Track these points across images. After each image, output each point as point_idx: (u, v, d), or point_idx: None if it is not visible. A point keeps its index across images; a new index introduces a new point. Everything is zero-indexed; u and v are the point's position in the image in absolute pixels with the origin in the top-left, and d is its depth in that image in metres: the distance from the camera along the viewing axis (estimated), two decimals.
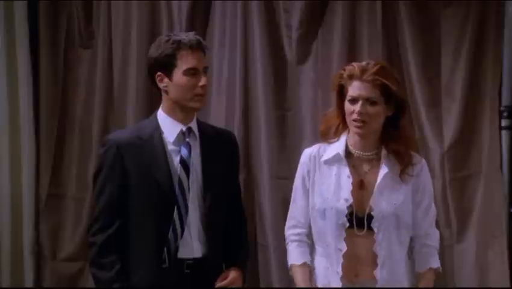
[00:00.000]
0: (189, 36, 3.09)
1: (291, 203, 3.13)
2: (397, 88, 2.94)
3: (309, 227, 3.06)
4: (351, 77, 2.93)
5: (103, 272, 3.01)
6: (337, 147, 3.03)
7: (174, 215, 3.03)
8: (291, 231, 3.09)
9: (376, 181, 2.97)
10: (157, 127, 3.09)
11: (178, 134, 3.09)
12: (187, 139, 3.10)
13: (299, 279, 3.02)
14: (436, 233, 3.12)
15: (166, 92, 3.08)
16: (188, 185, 3.06)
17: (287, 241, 3.11)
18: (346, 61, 4.39)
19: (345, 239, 2.94)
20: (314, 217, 3.02)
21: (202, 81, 3.07)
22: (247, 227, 3.31)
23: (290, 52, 4.47)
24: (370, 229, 2.95)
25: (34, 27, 4.67)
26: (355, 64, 2.96)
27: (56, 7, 4.68)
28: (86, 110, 4.60)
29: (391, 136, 3.00)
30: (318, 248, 3.04)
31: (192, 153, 3.10)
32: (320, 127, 3.12)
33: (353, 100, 2.93)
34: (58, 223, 4.52)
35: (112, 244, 3.01)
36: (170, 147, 3.09)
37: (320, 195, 3.00)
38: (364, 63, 2.95)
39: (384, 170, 2.98)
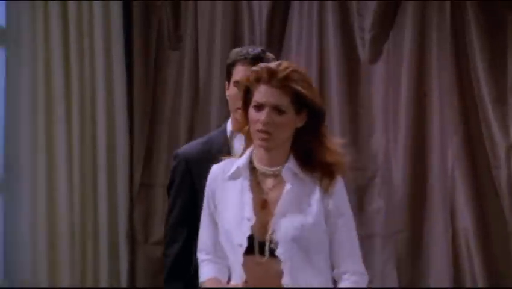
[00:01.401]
0: (250, 50, 2.96)
1: (200, 229, 2.66)
2: (310, 94, 2.42)
3: (222, 253, 2.57)
4: (258, 80, 2.43)
5: (175, 283, 2.95)
6: (241, 161, 2.52)
7: None
8: (200, 253, 2.65)
9: (279, 200, 2.45)
10: (225, 141, 2.98)
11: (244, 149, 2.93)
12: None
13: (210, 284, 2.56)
14: (360, 276, 2.47)
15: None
16: None
17: (198, 264, 2.66)
18: (415, 60, 4.53)
19: (245, 267, 2.44)
20: (222, 243, 2.52)
21: None
22: None
23: (363, 52, 4.53)
24: (274, 256, 2.41)
25: (128, 30, 4.71)
26: (263, 65, 2.46)
27: (148, 11, 4.76)
28: (174, 107, 4.68)
29: (306, 147, 2.47)
30: (232, 278, 2.56)
31: None
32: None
33: (259, 107, 2.42)
34: (149, 210, 4.63)
35: (184, 258, 2.93)
36: None
37: (224, 217, 2.51)
38: (273, 65, 2.43)
39: (287, 187, 2.44)
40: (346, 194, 2.52)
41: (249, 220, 2.44)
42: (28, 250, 4.36)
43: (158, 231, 4.54)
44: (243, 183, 2.49)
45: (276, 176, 2.47)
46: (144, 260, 4.60)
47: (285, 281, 2.40)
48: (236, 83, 2.90)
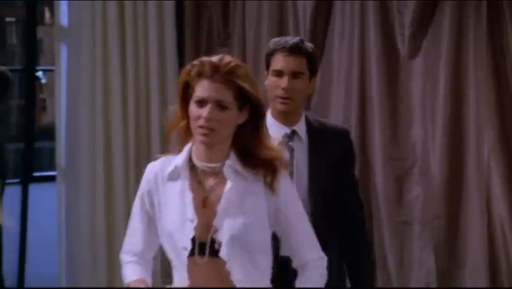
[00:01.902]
0: (288, 39, 2.92)
1: (128, 227, 2.49)
2: (253, 90, 2.30)
3: (149, 256, 2.47)
4: (200, 75, 2.28)
5: None
6: (180, 158, 2.36)
7: None
8: (125, 255, 2.49)
9: (221, 198, 2.32)
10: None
11: (283, 137, 2.91)
12: (290, 143, 2.92)
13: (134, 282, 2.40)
14: (323, 259, 2.45)
15: None
16: None
17: (122, 264, 2.50)
18: (453, 57, 4.58)
19: (189, 269, 2.31)
20: (164, 246, 2.37)
21: (283, 83, 2.87)
22: (364, 227, 3.07)
23: (402, 47, 4.61)
24: (216, 256, 2.30)
25: (180, 29, 4.86)
26: (205, 59, 2.31)
27: (199, 11, 4.90)
28: None
29: (246, 144, 2.35)
30: (174, 281, 2.41)
31: (297, 156, 2.92)
32: (166, 133, 2.45)
33: (201, 103, 2.28)
34: None
35: None
36: None
37: (165, 219, 2.35)
38: (216, 59, 2.29)
39: (228, 185, 2.33)
40: (293, 187, 2.45)
41: (191, 221, 2.29)
42: (87, 236, 4.55)
43: None
44: (183, 183, 2.33)
45: (217, 173, 2.34)
46: None
47: (229, 282, 2.29)
48: (274, 72, 2.88)
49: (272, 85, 2.89)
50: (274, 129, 2.81)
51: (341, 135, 3.05)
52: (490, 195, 4.47)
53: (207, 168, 2.34)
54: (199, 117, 2.26)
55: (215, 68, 2.26)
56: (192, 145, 2.36)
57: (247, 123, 2.34)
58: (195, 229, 2.29)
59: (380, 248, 4.62)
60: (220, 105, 2.27)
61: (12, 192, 4.42)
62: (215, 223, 2.30)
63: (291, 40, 2.91)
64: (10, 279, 4.45)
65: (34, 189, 4.74)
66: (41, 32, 5.31)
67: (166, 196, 2.36)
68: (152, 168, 2.39)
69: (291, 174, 2.80)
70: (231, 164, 2.33)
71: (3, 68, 3.61)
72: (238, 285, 2.30)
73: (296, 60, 2.87)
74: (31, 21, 4.87)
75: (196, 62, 2.30)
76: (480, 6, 4.46)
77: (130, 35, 4.67)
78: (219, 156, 2.33)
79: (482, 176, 4.50)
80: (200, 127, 2.26)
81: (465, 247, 4.49)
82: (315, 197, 2.92)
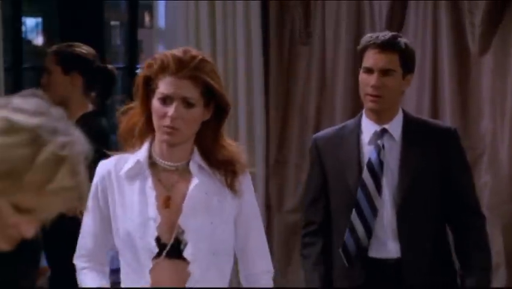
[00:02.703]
0: (381, 35, 2.81)
1: (80, 230, 2.33)
2: (219, 87, 2.17)
3: (103, 258, 2.33)
4: (163, 70, 2.11)
5: (305, 261, 2.90)
6: (138, 155, 2.21)
7: (352, 217, 2.79)
8: (79, 259, 2.33)
9: (185, 196, 2.19)
10: (358, 127, 2.85)
11: (372, 135, 2.84)
12: (378, 141, 2.83)
13: None
14: (271, 274, 2.36)
15: None
16: (378, 188, 2.78)
17: (77, 271, 2.34)
18: None
19: (152, 271, 2.16)
20: (119, 247, 2.23)
21: (372, 80, 2.74)
22: (482, 231, 2.93)
23: (473, 45, 4.68)
24: (180, 258, 2.17)
25: (265, 28, 5.01)
26: (168, 53, 2.14)
27: (282, 11, 5.05)
28: (304, 95, 4.97)
29: (207, 142, 2.22)
30: (124, 285, 2.27)
31: (387, 155, 2.81)
32: (120, 129, 2.25)
33: (165, 100, 2.12)
34: (282, 183, 4.93)
35: (315, 239, 2.87)
36: (366, 147, 2.85)
37: (122, 218, 2.19)
38: (179, 53, 2.11)
39: (194, 182, 2.19)
40: (252, 190, 2.29)
41: (154, 220, 2.15)
42: None
43: (291, 201, 4.90)
44: (143, 181, 2.18)
45: (181, 171, 2.20)
46: (278, 225, 4.91)
47: (191, 283, 2.15)
48: (365, 69, 2.77)
49: (362, 82, 2.79)
50: (365, 127, 2.82)
51: (446, 134, 2.89)
52: None
53: (169, 166, 2.19)
54: (163, 116, 2.11)
55: (180, 63, 2.10)
56: (151, 142, 2.21)
57: (211, 120, 2.19)
58: (157, 228, 2.14)
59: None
60: (186, 102, 2.12)
61: None
62: (181, 222, 2.15)
63: (384, 35, 2.79)
64: None
65: None
66: (141, 34, 5.55)
67: (123, 195, 2.18)
68: (105, 166, 2.23)
69: (374, 173, 2.74)
70: (197, 161, 2.20)
71: (110, 66, 3.83)
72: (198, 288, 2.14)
73: (387, 57, 2.74)
74: (133, 25, 5.14)
75: (158, 56, 2.13)
76: None
77: (220, 35, 4.85)
78: (181, 154, 2.20)
79: None
80: (165, 126, 2.11)
81: None
82: (405, 198, 2.79)
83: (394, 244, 2.80)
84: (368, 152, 2.82)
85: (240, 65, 4.96)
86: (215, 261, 2.20)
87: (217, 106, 2.20)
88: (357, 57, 2.93)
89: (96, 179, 2.25)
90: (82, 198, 1.45)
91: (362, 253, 2.80)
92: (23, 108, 1.41)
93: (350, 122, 2.94)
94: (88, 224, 2.28)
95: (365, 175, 2.79)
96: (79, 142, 1.43)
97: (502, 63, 4.64)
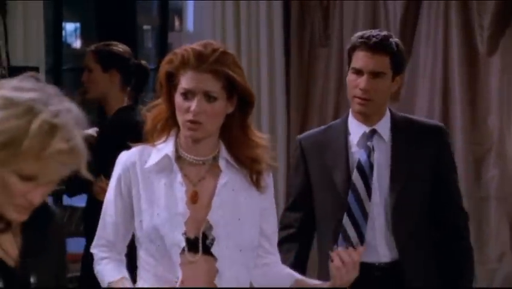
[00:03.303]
0: (372, 35, 2.60)
1: (100, 220, 2.26)
2: (241, 80, 2.10)
3: (121, 248, 2.26)
4: (184, 65, 2.07)
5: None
6: (164, 149, 2.15)
7: (344, 221, 2.64)
8: (98, 249, 2.27)
9: (213, 192, 2.13)
10: (345, 128, 2.68)
11: (361, 136, 2.68)
12: (368, 143, 2.66)
13: None
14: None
15: None
16: (368, 191, 2.63)
17: (95, 261, 2.28)
18: None
19: (180, 266, 2.10)
20: (141, 240, 2.16)
21: (362, 83, 2.57)
22: (465, 232, 2.74)
23: (482, 46, 4.82)
24: (207, 253, 2.12)
25: (286, 30, 5.14)
26: (188, 47, 2.08)
27: (303, 12, 5.18)
28: (323, 94, 5.11)
29: (233, 137, 2.16)
30: (144, 276, 2.20)
31: (377, 156, 2.65)
32: (146, 125, 2.19)
33: (187, 95, 2.07)
34: None
35: (291, 246, 2.71)
36: (354, 149, 2.68)
37: (148, 211, 2.13)
38: (199, 47, 2.07)
39: (223, 179, 2.14)
40: (272, 185, 2.25)
41: (183, 216, 2.11)
42: None
43: None
44: (172, 176, 2.13)
45: (207, 166, 2.16)
46: None
47: (219, 280, 2.12)
48: (354, 70, 2.60)
49: (351, 84, 2.63)
50: (353, 128, 2.66)
51: (434, 132, 2.73)
52: None
53: (196, 160, 2.15)
54: (186, 111, 2.08)
55: (201, 57, 2.06)
56: (177, 136, 2.17)
57: (235, 113, 2.14)
58: (185, 224, 2.11)
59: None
60: (208, 96, 2.07)
61: None
62: (210, 217, 2.12)
63: (374, 35, 2.60)
64: None
65: None
66: (171, 37, 5.74)
67: (149, 188, 2.14)
68: (129, 157, 2.18)
69: (364, 175, 2.60)
70: (224, 156, 2.16)
71: (144, 62, 3.99)
72: (225, 285, 2.12)
73: (378, 59, 2.57)
74: (163, 29, 5.34)
75: (178, 50, 2.09)
76: None
77: (244, 36, 5.01)
78: (207, 148, 2.16)
79: None
80: (188, 121, 2.08)
81: None
82: (397, 199, 2.64)
83: (386, 248, 2.64)
84: (357, 153, 2.66)
85: (263, 69, 5.12)
86: (242, 257, 2.16)
87: (240, 99, 2.13)
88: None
89: (118, 170, 2.19)
90: (79, 162, 1.55)
91: None
92: (18, 86, 1.56)
93: (336, 123, 2.79)
94: (110, 214, 2.22)
95: (356, 177, 2.63)
96: (72, 110, 1.56)
97: (509, 64, 4.80)
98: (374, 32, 2.64)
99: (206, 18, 5.08)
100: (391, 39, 2.64)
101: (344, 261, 2.10)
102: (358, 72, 2.61)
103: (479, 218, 4.86)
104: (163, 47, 5.39)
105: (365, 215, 2.63)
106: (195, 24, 5.14)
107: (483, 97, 4.89)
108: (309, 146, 2.72)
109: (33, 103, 1.54)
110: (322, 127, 2.87)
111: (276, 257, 2.30)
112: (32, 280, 1.66)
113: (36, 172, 1.53)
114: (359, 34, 2.65)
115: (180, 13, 5.61)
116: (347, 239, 2.61)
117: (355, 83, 2.61)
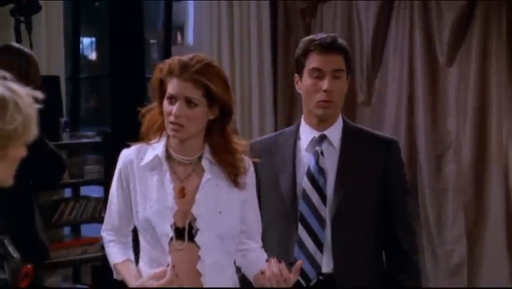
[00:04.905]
0: (323, 37, 2.51)
1: (107, 208, 2.45)
2: (221, 91, 2.20)
3: (127, 231, 2.44)
4: (170, 73, 2.21)
5: None
6: (156, 149, 2.32)
7: (300, 231, 2.53)
8: (106, 232, 2.46)
9: (197, 188, 2.28)
10: (295, 133, 2.62)
11: (310, 141, 2.58)
12: (317, 148, 2.56)
13: (128, 274, 2.36)
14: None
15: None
16: (322, 197, 2.51)
17: (104, 242, 2.46)
18: (480, 64, 4.89)
19: (169, 253, 2.26)
20: (139, 228, 2.34)
21: (324, 84, 2.47)
22: (412, 256, 2.54)
23: (442, 58, 5.09)
24: (192, 241, 2.26)
25: (274, 47, 5.49)
26: (176, 58, 2.23)
27: (289, 34, 5.46)
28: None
29: (214, 141, 2.30)
30: (144, 258, 2.37)
31: (326, 161, 2.54)
32: (142, 128, 2.34)
33: (171, 99, 2.21)
34: None
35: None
36: (303, 153, 2.58)
37: (142, 204, 2.29)
38: (186, 58, 2.21)
39: (205, 177, 2.28)
40: (254, 180, 2.36)
41: (171, 209, 2.26)
42: None
43: None
44: (162, 174, 2.28)
45: (193, 165, 2.29)
46: None
47: (201, 265, 2.26)
48: (313, 72, 2.48)
49: (310, 88, 2.50)
50: (303, 133, 2.58)
51: (385, 144, 2.58)
52: (508, 168, 4.89)
53: (183, 160, 2.29)
54: (169, 113, 2.21)
55: (184, 66, 2.19)
56: (168, 138, 2.31)
57: (216, 120, 2.26)
58: (174, 216, 2.25)
59: (423, 209, 5.16)
60: (189, 102, 2.19)
61: None
62: (193, 210, 2.26)
63: (325, 37, 2.52)
64: None
65: None
66: (174, 50, 5.92)
67: (143, 184, 2.29)
68: (127, 155, 2.34)
69: (320, 182, 2.48)
70: (207, 156, 2.30)
71: None
72: (207, 269, 2.25)
73: (335, 58, 2.49)
74: (167, 42, 5.67)
75: (168, 60, 2.24)
76: (501, 25, 4.88)
77: (237, 51, 5.35)
78: (193, 149, 2.29)
79: (501, 154, 4.91)
80: (171, 123, 2.21)
81: (489, 208, 4.95)
82: (340, 204, 2.51)
83: (326, 258, 2.51)
84: (305, 157, 2.56)
85: (253, 77, 5.41)
86: (223, 245, 2.29)
87: (220, 108, 2.26)
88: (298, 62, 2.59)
89: (119, 165, 2.36)
90: (30, 129, 1.71)
91: (317, 269, 2.50)
92: None
93: (289, 129, 2.70)
94: (114, 202, 2.39)
95: (306, 184, 2.52)
96: (16, 87, 1.69)
97: (465, 73, 5.07)
98: (322, 34, 2.57)
99: (205, 34, 5.43)
100: (339, 40, 2.57)
101: (274, 273, 2.17)
102: (319, 74, 2.49)
103: (439, 206, 5.18)
104: (167, 59, 5.88)
105: (322, 223, 2.50)
106: (195, 38, 5.50)
107: (443, 102, 5.16)
108: (259, 151, 2.59)
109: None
110: (275, 133, 2.83)
111: (258, 244, 2.41)
112: None
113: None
114: (308, 38, 2.56)
115: (182, 29, 6.06)
116: (304, 250, 2.50)
117: (317, 87, 2.50)
